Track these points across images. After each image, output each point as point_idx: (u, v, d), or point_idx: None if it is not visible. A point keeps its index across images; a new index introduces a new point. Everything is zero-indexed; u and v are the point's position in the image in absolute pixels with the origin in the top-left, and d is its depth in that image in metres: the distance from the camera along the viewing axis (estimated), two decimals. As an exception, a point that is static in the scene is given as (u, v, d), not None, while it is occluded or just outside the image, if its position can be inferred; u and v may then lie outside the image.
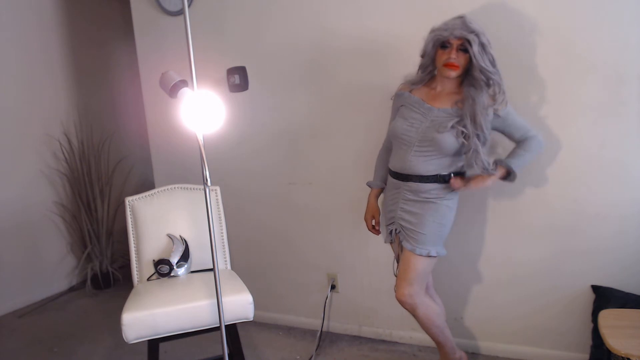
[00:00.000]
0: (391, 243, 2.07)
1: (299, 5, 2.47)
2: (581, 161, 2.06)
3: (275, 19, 2.54)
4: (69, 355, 2.68)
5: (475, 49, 1.74)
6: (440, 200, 1.90)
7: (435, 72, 1.92)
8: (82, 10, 3.82)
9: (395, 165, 1.97)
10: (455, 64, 1.80)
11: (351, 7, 2.36)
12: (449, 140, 1.82)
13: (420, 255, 1.90)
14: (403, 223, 1.94)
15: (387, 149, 2.12)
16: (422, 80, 1.97)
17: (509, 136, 1.93)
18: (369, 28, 2.33)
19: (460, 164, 1.92)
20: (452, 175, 1.89)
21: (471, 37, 1.74)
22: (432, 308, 1.97)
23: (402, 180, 1.94)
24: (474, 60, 1.77)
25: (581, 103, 2.02)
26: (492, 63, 1.79)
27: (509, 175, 1.89)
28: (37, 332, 3.00)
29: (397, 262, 2.05)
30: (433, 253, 1.90)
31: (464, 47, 1.78)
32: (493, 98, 1.81)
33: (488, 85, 1.80)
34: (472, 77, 1.82)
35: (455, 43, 1.79)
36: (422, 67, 1.95)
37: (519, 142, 1.91)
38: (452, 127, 1.81)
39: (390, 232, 2.02)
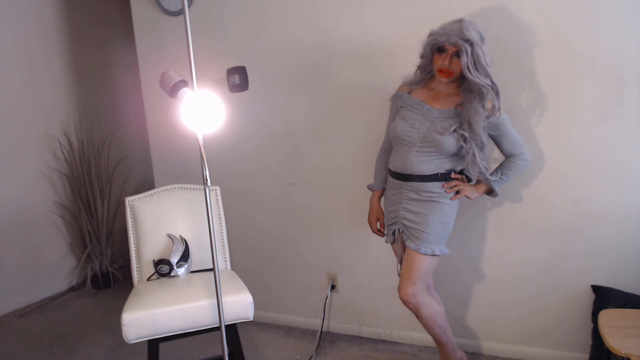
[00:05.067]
0: (392, 243, 2.07)
1: (299, 6, 2.47)
2: (581, 161, 2.06)
3: (276, 19, 2.54)
4: (69, 355, 2.68)
5: (465, 60, 1.72)
6: (444, 199, 1.90)
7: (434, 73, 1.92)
8: (82, 10, 3.82)
9: (395, 165, 1.97)
10: (449, 70, 1.80)
11: (351, 8, 2.35)
12: (450, 141, 1.82)
13: (425, 255, 1.90)
14: (406, 222, 1.94)
15: (386, 151, 2.12)
16: (421, 81, 1.96)
17: (499, 145, 1.93)
18: (369, 29, 2.33)
19: (461, 161, 1.92)
20: (454, 172, 1.90)
21: (465, 46, 1.71)
22: (435, 308, 1.98)
23: (403, 180, 1.94)
24: (464, 72, 1.75)
25: (581, 103, 2.02)
26: (486, 75, 1.75)
27: (491, 192, 1.97)
28: (37, 332, 3.00)
29: (401, 263, 2.04)
30: (437, 252, 1.91)
31: (460, 54, 1.76)
32: (486, 108, 1.78)
33: (482, 92, 1.77)
34: (468, 81, 1.81)
35: (450, 49, 1.77)
36: (420, 67, 1.95)
37: (507, 158, 1.93)
38: (455, 130, 1.81)
39: (393, 232, 2.02)
